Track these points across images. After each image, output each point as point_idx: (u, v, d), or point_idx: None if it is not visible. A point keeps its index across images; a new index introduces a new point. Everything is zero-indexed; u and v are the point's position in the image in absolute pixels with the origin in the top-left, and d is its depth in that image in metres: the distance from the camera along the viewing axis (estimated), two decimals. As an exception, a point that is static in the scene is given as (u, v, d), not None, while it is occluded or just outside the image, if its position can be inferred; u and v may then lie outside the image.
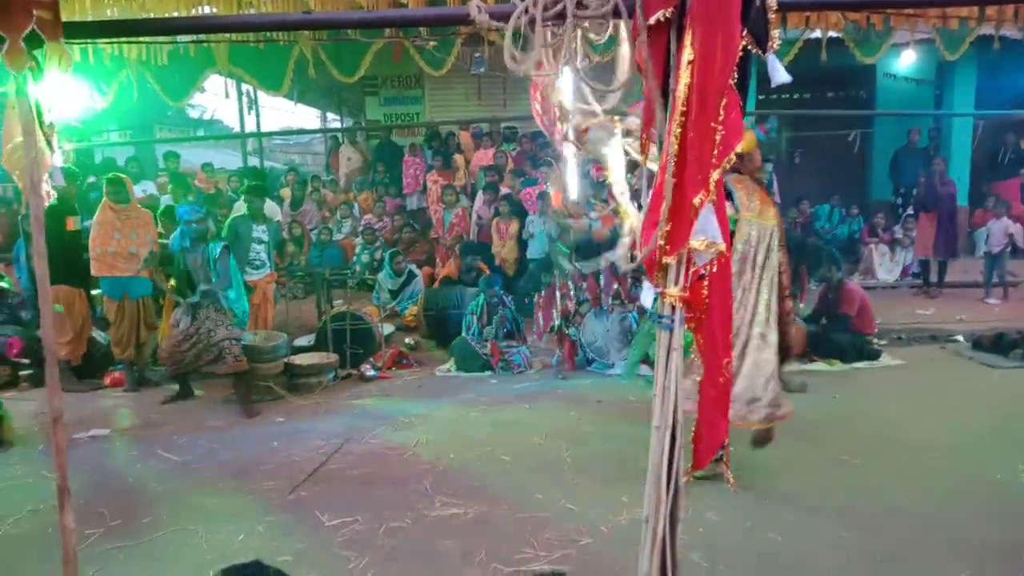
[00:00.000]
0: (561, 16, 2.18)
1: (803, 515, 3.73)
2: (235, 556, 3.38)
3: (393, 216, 10.39)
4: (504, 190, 9.65)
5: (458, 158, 10.99)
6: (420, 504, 3.97)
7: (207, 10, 6.90)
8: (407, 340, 7.87)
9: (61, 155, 2.83)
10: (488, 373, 6.87)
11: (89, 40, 6.43)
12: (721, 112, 1.85)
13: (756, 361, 3.93)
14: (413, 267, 8.96)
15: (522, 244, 9.06)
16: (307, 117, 19.38)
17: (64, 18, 2.52)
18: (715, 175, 1.88)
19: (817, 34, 8.49)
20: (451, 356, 7.24)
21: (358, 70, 8.60)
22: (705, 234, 1.93)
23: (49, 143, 2.63)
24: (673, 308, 2.09)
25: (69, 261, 6.45)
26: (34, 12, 2.35)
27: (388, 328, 7.89)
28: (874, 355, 6.94)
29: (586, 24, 2.21)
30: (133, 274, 6.48)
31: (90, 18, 6.27)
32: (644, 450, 2.20)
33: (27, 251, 7.25)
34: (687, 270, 2.01)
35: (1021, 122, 11.04)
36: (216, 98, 17.02)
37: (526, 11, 2.23)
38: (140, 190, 8.76)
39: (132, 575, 3.37)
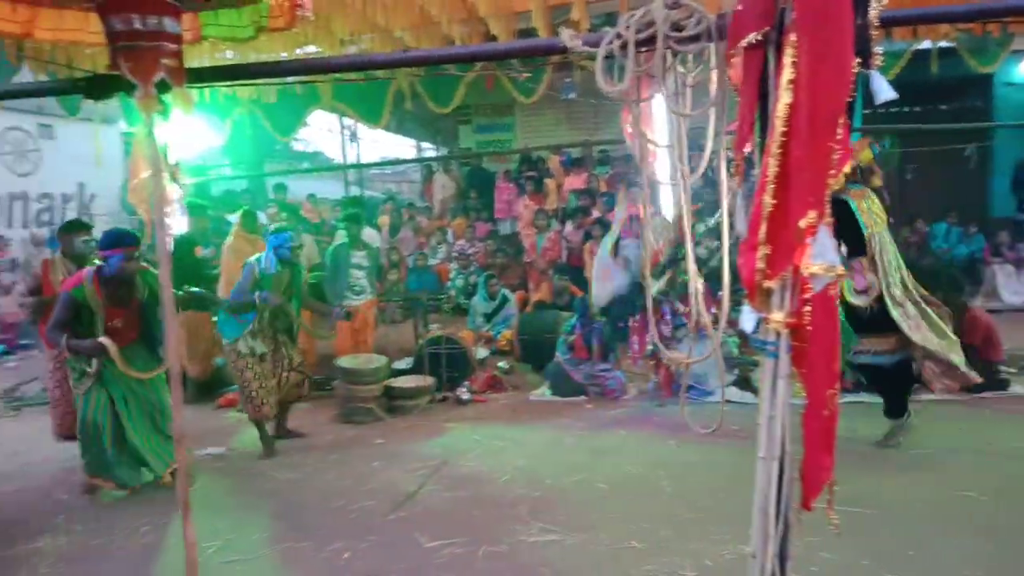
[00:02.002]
0: (652, 40, 2.17)
1: (925, 553, 3.48)
2: (341, 573, 3.49)
3: (486, 241, 10.56)
4: (596, 214, 9.62)
5: (549, 183, 11.07)
6: (517, 529, 3.96)
7: (311, 50, 7.27)
8: (500, 364, 7.92)
9: (184, 190, 3.06)
10: (582, 398, 6.81)
11: (207, 84, 6.89)
12: (839, 132, 1.78)
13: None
14: (507, 291, 9.03)
15: (615, 268, 8.96)
16: (403, 147, 20.03)
17: (185, 64, 2.72)
18: (827, 196, 1.81)
19: (926, 44, 8.06)
20: (545, 380, 7.24)
21: (452, 101, 8.81)
22: (824, 258, 1.83)
23: (175, 179, 2.85)
24: (778, 334, 2.02)
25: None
26: (162, 61, 2.56)
27: (482, 352, 7.97)
28: (1002, 385, 6.29)
29: (679, 47, 2.19)
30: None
31: (207, 62, 6.74)
32: (749, 482, 2.12)
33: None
34: (793, 294, 1.94)
35: None
36: (319, 132, 17.85)
37: (618, 36, 2.24)
38: (254, 221, 9.35)
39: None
